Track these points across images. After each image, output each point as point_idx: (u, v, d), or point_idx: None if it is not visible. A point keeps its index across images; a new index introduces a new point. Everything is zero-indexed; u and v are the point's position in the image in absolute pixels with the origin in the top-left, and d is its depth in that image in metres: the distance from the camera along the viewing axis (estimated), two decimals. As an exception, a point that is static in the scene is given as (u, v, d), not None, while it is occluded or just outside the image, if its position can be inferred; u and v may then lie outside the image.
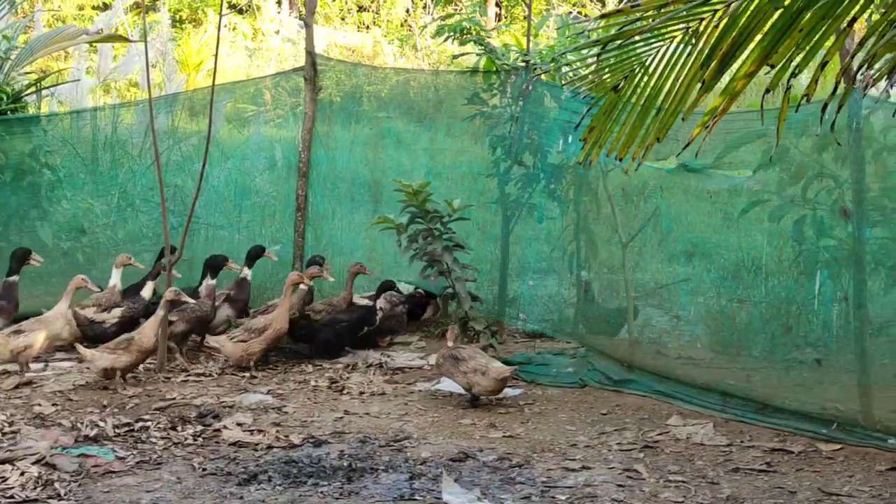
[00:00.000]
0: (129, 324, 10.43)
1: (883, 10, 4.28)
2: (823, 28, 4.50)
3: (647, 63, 5.21)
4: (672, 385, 9.24)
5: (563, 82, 10.87)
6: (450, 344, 9.19)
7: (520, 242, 11.29)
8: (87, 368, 9.47)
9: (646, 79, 5.22)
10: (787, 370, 8.62)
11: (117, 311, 10.62)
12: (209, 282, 10.81)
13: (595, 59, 5.29)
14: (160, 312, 9.63)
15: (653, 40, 5.15)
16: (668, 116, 5.06)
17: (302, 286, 10.66)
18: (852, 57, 4.37)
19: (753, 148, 8.77)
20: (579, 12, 28.69)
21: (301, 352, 10.87)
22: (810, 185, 8.42)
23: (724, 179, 9.16)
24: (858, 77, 4.39)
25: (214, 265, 10.96)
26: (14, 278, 10.82)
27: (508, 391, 9.22)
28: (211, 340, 10.29)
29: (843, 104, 4.61)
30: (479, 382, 8.82)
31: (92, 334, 10.52)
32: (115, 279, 11.04)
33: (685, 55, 5.00)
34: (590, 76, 5.43)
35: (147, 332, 9.42)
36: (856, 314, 8.05)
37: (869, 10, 4.67)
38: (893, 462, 7.40)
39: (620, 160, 5.38)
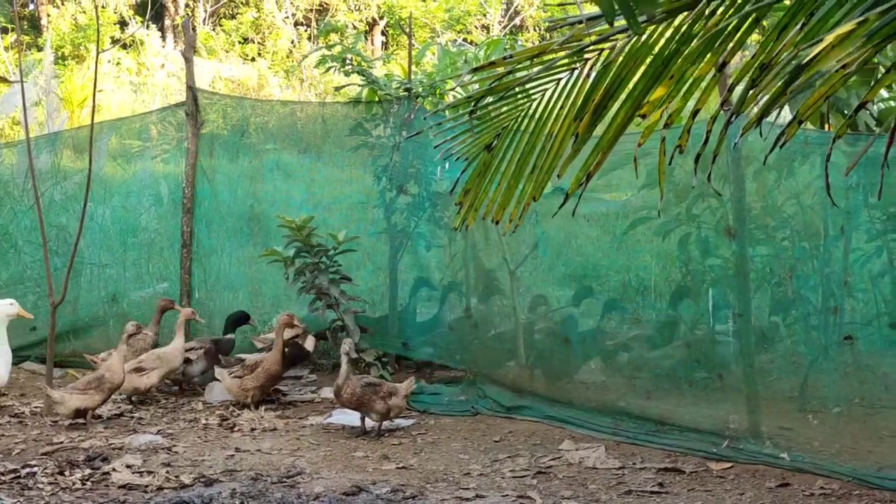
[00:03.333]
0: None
1: (751, 56, 4.28)
2: (695, 73, 4.50)
3: (519, 119, 5.12)
4: (563, 409, 9.27)
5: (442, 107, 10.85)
6: (345, 355, 9.13)
7: (409, 271, 11.25)
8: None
9: (519, 135, 5.13)
10: (678, 390, 8.66)
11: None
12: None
13: (468, 116, 5.18)
14: (122, 347, 9.78)
15: (521, 97, 5.08)
16: (542, 174, 4.99)
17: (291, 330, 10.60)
18: (730, 91, 4.35)
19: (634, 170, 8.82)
20: (464, 39, 28.84)
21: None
22: (694, 204, 8.49)
23: (608, 202, 9.22)
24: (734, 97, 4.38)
25: None
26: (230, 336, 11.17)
27: (401, 422, 9.19)
28: (217, 373, 10.33)
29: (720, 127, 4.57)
30: (397, 404, 8.97)
31: None
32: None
33: (558, 108, 4.94)
34: (463, 136, 5.33)
35: (116, 368, 9.57)
36: (743, 331, 8.12)
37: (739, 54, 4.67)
38: (783, 478, 7.47)
39: (497, 223, 5.31)
